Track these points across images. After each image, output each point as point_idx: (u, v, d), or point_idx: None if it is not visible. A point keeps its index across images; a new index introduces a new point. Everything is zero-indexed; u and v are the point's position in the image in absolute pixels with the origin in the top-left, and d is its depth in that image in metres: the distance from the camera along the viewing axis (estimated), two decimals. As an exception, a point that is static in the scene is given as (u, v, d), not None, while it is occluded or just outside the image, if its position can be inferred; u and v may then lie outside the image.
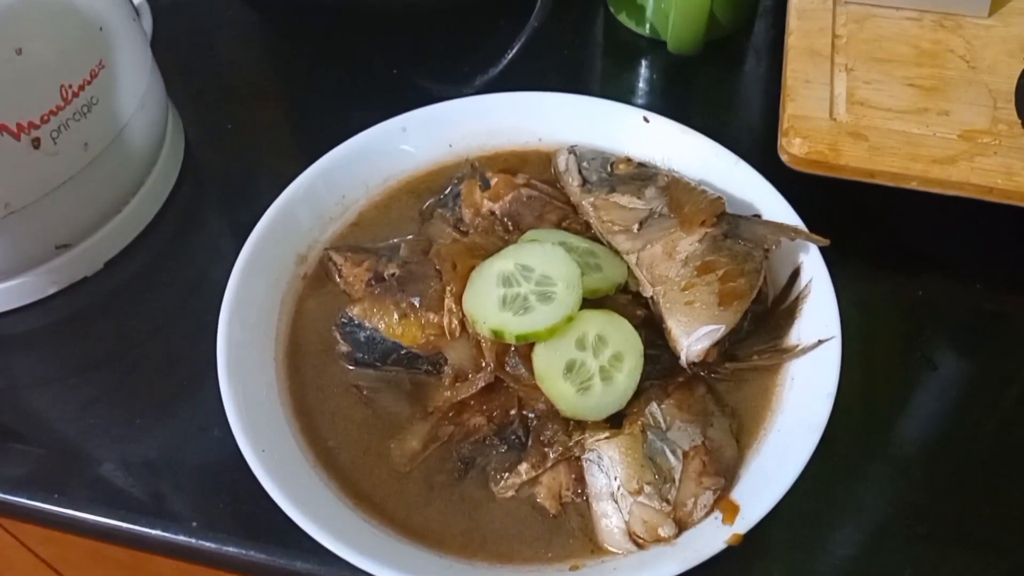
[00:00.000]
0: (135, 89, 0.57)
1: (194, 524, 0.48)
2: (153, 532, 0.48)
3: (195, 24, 0.74)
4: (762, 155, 0.58)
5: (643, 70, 0.70)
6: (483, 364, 0.44)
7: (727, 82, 0.70)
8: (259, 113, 0.70)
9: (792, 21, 0.63)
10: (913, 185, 0.55)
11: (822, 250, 0.48)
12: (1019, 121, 0.56)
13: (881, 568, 0.45)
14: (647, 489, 0.41)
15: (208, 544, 0.47)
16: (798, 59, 0.60)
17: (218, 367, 0.45)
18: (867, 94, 0.58)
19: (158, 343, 0.55)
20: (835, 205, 0.58)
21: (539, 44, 0.69)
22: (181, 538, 0.47)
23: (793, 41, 0.62)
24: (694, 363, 0.44)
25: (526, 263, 0.44)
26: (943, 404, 0.52)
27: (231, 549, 0.47)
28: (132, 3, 0.59)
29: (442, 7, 0.70)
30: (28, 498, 0.49)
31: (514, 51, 0.62)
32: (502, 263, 0.45)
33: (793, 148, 0.56)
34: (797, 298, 0.47)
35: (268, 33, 0.75)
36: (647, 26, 0.70)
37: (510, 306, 0.43)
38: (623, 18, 0.72)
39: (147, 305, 0.57)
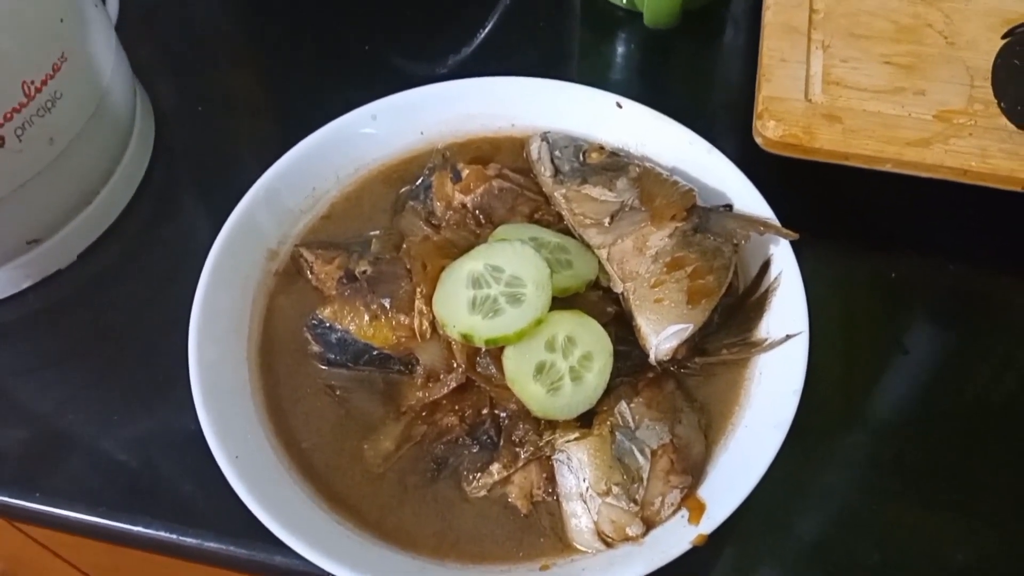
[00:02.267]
0: (99, 78, 0.56)
1: (174, 519, 0.48)
2: (133, 528, 0.48)
3: (163, 1, 0.72)
4: (739, 133, 0.58)
5: (620, 43, 0.69)
6: (454, 365, 0.44)
7: (705, 55, 0.69)
8: (231, 91, 0.68)
9: (769, -4, 0.62)
10: (887, 167, 0.55)
11: (793, 241, 0.48)
12: (995, 101, 0.55)
13: (850, 554, 0.46)
14: (615, 490, 0.41)
15: (188, 540, 0.48)
16: (774, 36, 0.60)
17: (190, 373, 0.45)
18: (843, 73, 0.58)
19: (134, 335, 0.55)
20: (810, 185, 0.58)
21: (515, 16, 0.68)
22: (162, 534, 0.48)
23: (770, 16, 0.61)
24: (663, 361, 0.45)
25: (496, 263, 0.44)
26: (914, 388, 0.53)
27: (212, 545, 0.48)
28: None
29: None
30: (7, 495, 0.50)
31: (489, 26, 0.60)
32: (472, 264, 0.45)
33: (767, 131, 0.55)
34: (767, 291, 0.47)
35: (239, 9, 0.73)
36: (624, -2, 0.68)
37: (479, 308, 0.43)
38: (600, -12, 0.70)
39: (123, 296, 0.57)
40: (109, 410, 0.52)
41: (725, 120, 0.64)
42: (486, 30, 0.60)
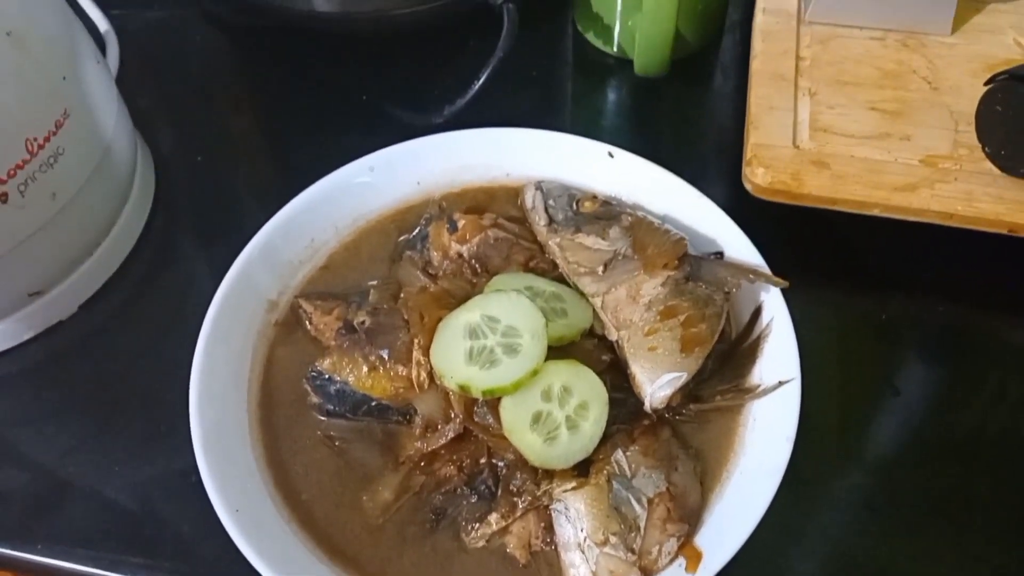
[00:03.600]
0: (101, 133, 0.57)
1: (175, 569, 0.49)
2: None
3: (163, 50, 0.74)
4: (729, 179, 0.60)
5: (611, 90, 0.71)
6: (452, 415, 0.45)
7: (695, 102, 0.70)
8: (230, 141, 0.70)
9: (757, 43, 0.64)
10: (875, 212, 0.56)
11: (784, 287, 0.49)
12: (979, 145, 0.57)
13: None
14: (612, 540, 0.42)
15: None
16: (762, 84, 0.61)
17: (191, 426, 0.45)
18: (830, 120, 0.59)
19: (135, 385, 0.56)
20: (800, 229, 0.59)
21: (508, 65, 0.69)
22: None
23: (758, 65, 0.62)
24: (658, 409, 0.45)
25: (492, 314, 0.45)
26: (906, 428, 0.53)
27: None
28: (95, 44, 0.58)
29: (410, 30, 0.70)
30: (8, 547, 0.50)
31: (483, 76, 0.62)
32: (468, 315, 0.45)
33: (756, 178, 0.56)
34: (759, 337, 0.48)
35: (237, 58, 0.75)
36: (615, 46, 0.70)
37: (476, 360, 0.44)
38: (591, 37, 0.72)
39: (123, 346, 0.58)
40: (110, 460, 0.52)
41: (715, 166, 0.65)
42: (480, 80, 0.61)
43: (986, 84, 0.56)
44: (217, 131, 0.69)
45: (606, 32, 0.70)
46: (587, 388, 0.44)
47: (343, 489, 0.46)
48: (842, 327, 0.57)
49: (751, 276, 0.48)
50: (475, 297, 0.46)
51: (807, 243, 0.60)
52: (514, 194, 0.56)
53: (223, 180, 0.66)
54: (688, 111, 0.70)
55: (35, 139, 0.51)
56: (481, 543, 0.44)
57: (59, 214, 0.54)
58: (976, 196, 0.55)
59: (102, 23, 0.72)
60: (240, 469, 0.45)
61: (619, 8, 0.66)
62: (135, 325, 0.59)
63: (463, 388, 0.44)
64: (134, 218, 0.62)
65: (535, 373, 0.43)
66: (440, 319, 0.46)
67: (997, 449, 0.52)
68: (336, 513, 0.45)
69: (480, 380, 0.43)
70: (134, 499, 0.51)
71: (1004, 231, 0.55)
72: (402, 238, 0.54)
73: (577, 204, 0.53)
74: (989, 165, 0.56)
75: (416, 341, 0.45)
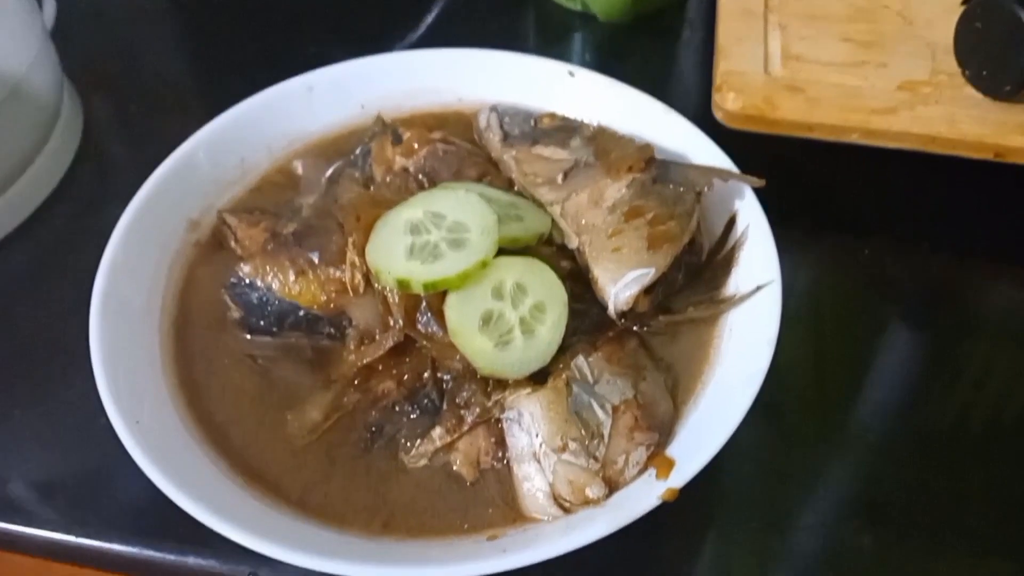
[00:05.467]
0: (21, 58, 0.52)
1: (77, 521, 0.42)
2: (39, 533, 0.42)
3: (98, 9, 0.70)
4: (697, 122, 0.55)
5: (575, 45, 0.67)
6: (391, 322, 0.40)
7: (661, 55, 0.67)
8: (167, 94, 0.65)
9: (723, -18, 0.61)
10: (853, 138, 0.52)
11: (758, 196, 0.44)
12: (959, 71, 0.54)
13: (840, 542, 0.41)
14: (572, 446, 0.36)
15: (91, 542, 0.41)
16: (730, 19, 0.58)
17: (90, 337, 0.40)
18: (802, 49, 0.56)
19: (42, 334, 0.50)
20: (773, 170, 0.55)
21: (466, 24, 0.66)
22: (69, 537, 0.42)
23: (725, 2, 0.59)
24: (624, 313, 0.40)
25: (436, 210, 0.40)
26: (894, 370, 0.49)
27: (116, 547, 0.41)
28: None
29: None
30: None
31: (435, 11, 0.58)
32: (410, 211, 0.40)
33: (727, 103, 0.53)
34: (733, 247, 0.44)
35: (177, 19, 0.71)
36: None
37: (418, 255, 0.39)
38: (553, -7, 0.69)
39: (32, 295, 0.52)
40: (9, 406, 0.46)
41: (681, 111, 0.61)
42: (432, 14, 0.58)
43: (963, 3, 0.53)
44: (152, 87, 0.65)
45: (567, -15, 0.67)
46: (543, 287, 0.39)
47: (264, 410, 0.40)
48: (822, 264, 0.53)
49: (724, 175, 0.43)
50: (417, 194, 0.41)
51: (781, 183, 0.55)
52: (467, 121, 0.52)
53: (155, 132, 0.61)
54: (654, 63, 0.66)
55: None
56: (423, 461, 0.38)
57: (-36, 135, 0.49)
58: (958, 118, 0.52)
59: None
60: (145, 388, 0.40)
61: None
62: (47, 274, 0.53)
63: (402, 284, 0.38)
64: (55, 160, 0.57)
65: (484, 265, 0.38)
66: (378, 218, 0.41)
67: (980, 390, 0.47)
68: (255, 435, 0.39)
69: (422, 273, 0.38)
70: (35, 446, 0.45)
71: (988, 156, 0.51)
72: (341, 161, 0.49)
73: (535, 121, 0.49)
74: (970, 90, 0.53)
75: (351, 240, 0.40)
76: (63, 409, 0.46)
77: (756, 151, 0.48)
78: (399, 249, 0.39)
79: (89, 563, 0.42)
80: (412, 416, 0.39)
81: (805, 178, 0.57)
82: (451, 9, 0.66)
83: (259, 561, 0.37)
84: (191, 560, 0.40)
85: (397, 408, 0.39)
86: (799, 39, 0.57)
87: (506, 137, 0.48)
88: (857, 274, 0.52)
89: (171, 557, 0.41)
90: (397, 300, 0.39)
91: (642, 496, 0.35)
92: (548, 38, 0.68)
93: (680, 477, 0.35)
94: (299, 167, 0.49)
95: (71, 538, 0.42)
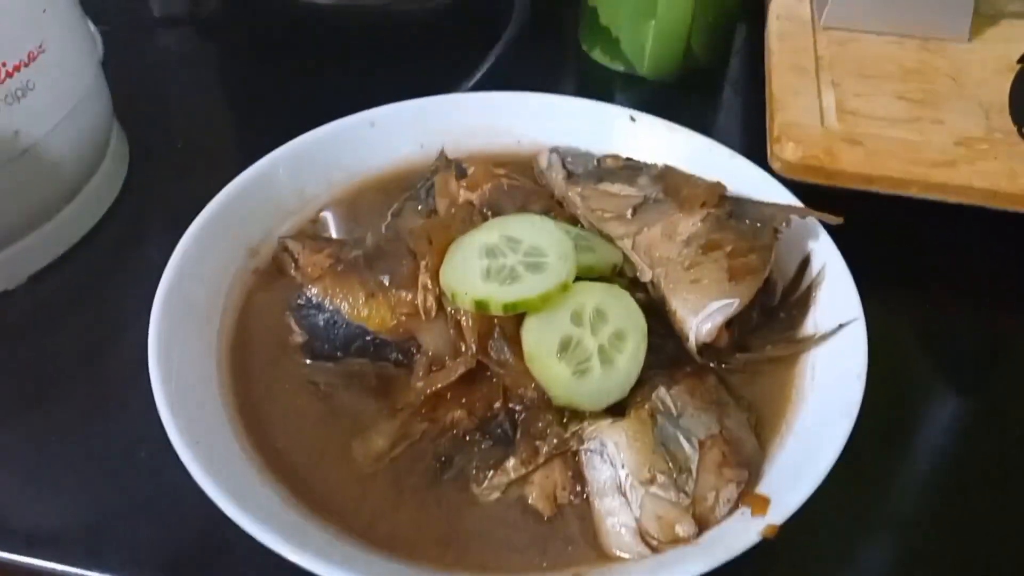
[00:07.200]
0: (76, 84, 0.52)
1: (123, 560, 0.39)
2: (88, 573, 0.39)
3: (145, 55, 0.70)
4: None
5: (618, 102, 0.68)
6: (463, 348, 0.38)
7: (705, 112, 0.68)
8: (214, 133, 0.65)
9: (773, 44, 0.62)
10: (914, 191, 0.52)
11: (833, 235, 0.43)
12: (1014, 129, 0.54)
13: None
14: (661, 479, 0.34)
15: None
16: (783, 74, 0.58)
17: (149, 361, 0.38)
18: (857, 104, 0.56)
19: (83, 363, 0.48)
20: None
21: (511, 86, 0.67)
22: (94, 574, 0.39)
23: (776, 60, 0.60)
24: (704, 346, 0.39)
25: (512, 235, 0.39)
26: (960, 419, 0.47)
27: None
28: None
29: (406, 27, 0.68)
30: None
31: (491, 60, 0.58)
32: (485, 235, 0.39)
33: (786, 154, 0.53)
34: (810, 286, 0.43)
35: (225, 62, 0.72)
36: (622, 60, 0.68)
37: (495, 277, 0.38)
38: (596, 55, 0.69)
39: (74, 326, 0.50)
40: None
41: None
42: (487, 64, 0.58)
43: (1019, 62, 0.53)
44: (201, 123, 0.64)
45: (613, 46, 0.68)
46: (624, 314, 0.38)
47: (328, 437, 0.38)
48: (887, 318, 0.52)
49: (801, 212, 0.42)
50: (491, 220, 0.41)
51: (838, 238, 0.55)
52: (526, 163, 0.51)
53: (202, 170, 0.61)
54: (699, 119, 0.66)
55: (3, 64, 0.46)
56: (496, 494, 0.36)
57: (20, 158, 0.48)
58: (1019, 173, 0.51)
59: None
60: (205, 411, 0.38)
61: (629, 15, 0.65)
62: (90, 305, 0.51)
63: (480, 305, 0.37)
64: (102, 191, 0.56)
65: (565, 288, 0.37)
66: (451, 241, 0.40)
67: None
68: (318, 462, 0.37)
69: (501, 294, 0.37)
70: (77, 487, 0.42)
71: (1052, 211, 0.51)
72: (404, 195, 0.49)
73: (599, 161, 0.48)
74: (1028, 147, 0.53)
75: (423, 263, 0.39)
76: (100, 442, 0.44)
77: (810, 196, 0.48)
78: (475, 271, 0.38)
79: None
80: (484, 445, 0.37)
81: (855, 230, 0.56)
82: (493, 70, 0.67)
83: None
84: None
85: (468, 438, 0.37)
86: (853, 95, 0.57)
87: (570, 175, 0.48)
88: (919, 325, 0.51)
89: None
90: (471, 324, 0.38)
91: (739, 533, 0.33)
92: (590, 94, 0.69)
93: (780, 513, 0.33)
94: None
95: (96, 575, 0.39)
